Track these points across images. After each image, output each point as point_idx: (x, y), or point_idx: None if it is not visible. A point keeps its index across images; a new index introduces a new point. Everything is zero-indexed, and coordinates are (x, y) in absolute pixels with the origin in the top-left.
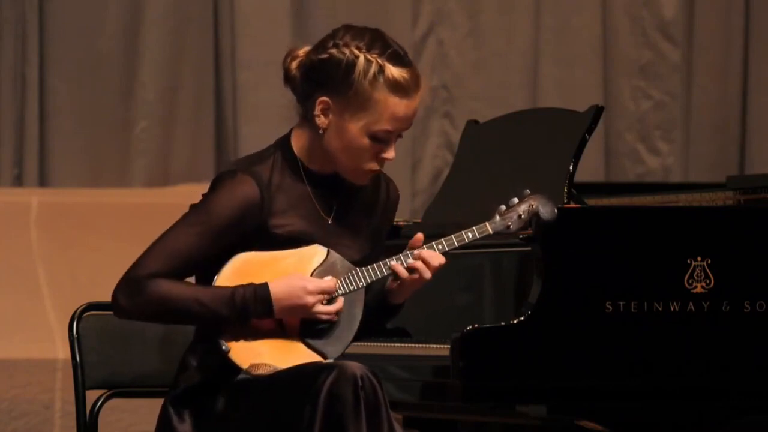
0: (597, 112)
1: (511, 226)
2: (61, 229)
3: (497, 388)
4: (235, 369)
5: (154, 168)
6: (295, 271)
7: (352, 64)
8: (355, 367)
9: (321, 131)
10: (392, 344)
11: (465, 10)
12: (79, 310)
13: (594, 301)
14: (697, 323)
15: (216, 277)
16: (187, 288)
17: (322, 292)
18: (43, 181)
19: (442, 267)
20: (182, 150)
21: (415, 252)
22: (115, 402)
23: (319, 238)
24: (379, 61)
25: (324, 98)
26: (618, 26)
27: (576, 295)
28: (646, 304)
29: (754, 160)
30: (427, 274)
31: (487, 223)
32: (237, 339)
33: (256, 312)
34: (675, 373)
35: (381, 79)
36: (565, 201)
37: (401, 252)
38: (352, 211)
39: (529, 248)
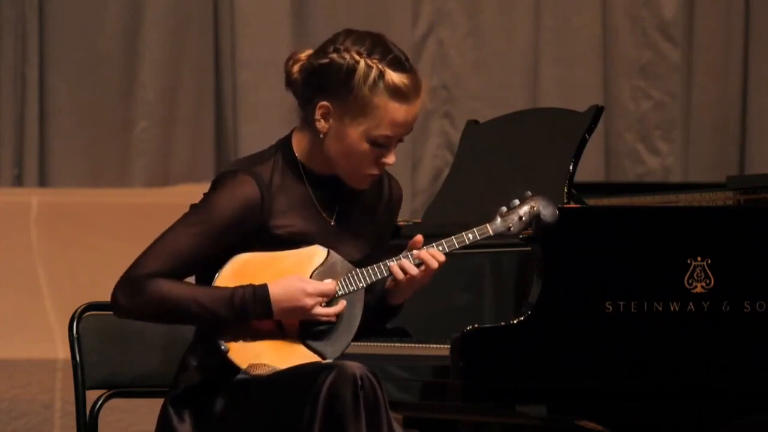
0: (597, 112)
1: (512, 228)
2: (61, 229)
3: (497, 388)
4: (235, 369)
5: (154, 168)
6: (295, 272)
7: (352, 69)
8: (355, 367)
9: (321, 136)
10: (392, 344)
11: (465, 10)
12: (79, 310)
13: (594, 301)
14: (697, 323)
15: (215, 277)
16: (187, 288)
17: (322, 295)
18: (43, 181)
19: (441, 267)
20: (182, 150)
21: (415, 253)
22: (115, 402)
23: (321, 239)
24: (380, 66)
25: (324, 103)
26: (618, 26)
27: (576, 295)
28: (646, 304)
29: (754, 160)
30: (427, 276)
31: (487, 225)
32: (236, 339)
33: (255, 313)
34: (675, 373)
35: (381, 85)
36: (565, 201)
37: (402, 252)
38: (354, 213)
39: (529, 248)
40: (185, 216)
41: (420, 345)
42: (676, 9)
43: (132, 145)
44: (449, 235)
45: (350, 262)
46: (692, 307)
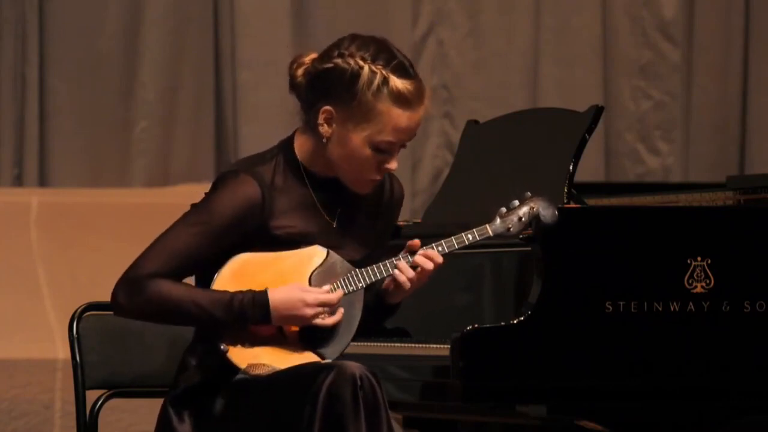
0: (597, 112)
1: (511, 229)
2: (61, 229)
3: (497, 388)
4: (234, 369)
5: (154, 168)
6: (295, 272)
7: (356, 74)
8: (354, 367)
9: (324, 140)
10: (392, 344)
11: (465, 10)
12: (79, 310)
13: (594, 301)
14: (697, 323)
15: (215, 277)
16: (187, 290)
17: (322, 305)
18: (43, 181)
19: (439, 268)
20: (182, 150)
21: (411, 259)
22: (115, 402)
23: (321, 240)
24: (384, 72)
25: (328, 108)
26: (618, 26)
27: (576, 295)
28: (646, 304)
29: (754, 160)
30: (424, 277)
31: (487, 225)
32: (235, 339)
33: (254, 318)
34: (675, 373)
35: (385, 91)
36: (565, 201)
37: (401, 252)
38: (355, 214)
39: (529, 248)
40: (186, 216)
41: (420, 345)
42: (676, 9)
43: (132, 145)
44: (449, 235)
45: (350, 262)
46: (692, 307)
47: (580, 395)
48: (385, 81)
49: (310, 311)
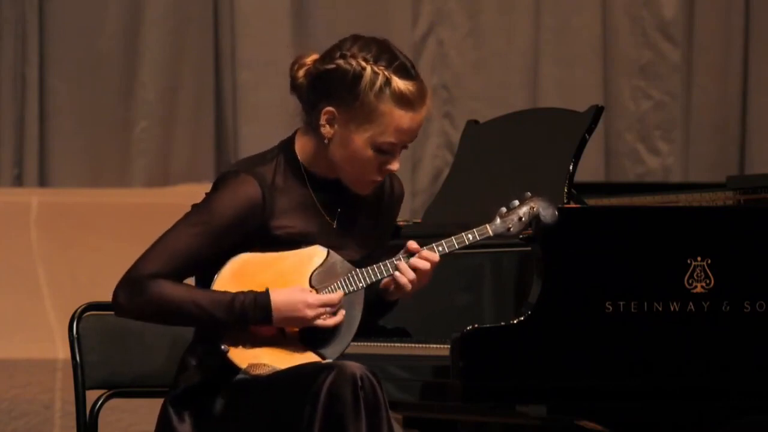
0: (597, 112)
1: (511, 229)
2: (61, 229)
3: (497, 388)
4: (234, 369)
5: (154, 168)
6: (295, 272)
7: (358, 75)
8: (355, 367)
9: (326, 141)
10: (392, 344)
11: (465, 10)
12: (79, 310)
13: (594, 301)
14: (697, 323)
15: (215, 278)
16: (188, 290)
17: (324, 306)
18: (43, 181)
19: (439, 268)
20: (182, 150)
21: (415, 257)
22: (115, 402)
23: (322, 241)
24: (386, 73)
25: (330, 108)
26: (618, 26)
27: (576, 295)
28: (646, 304)
29: (754, 160)
30: (424, 278)
31: (487, 225)
32: (236, 340)
33: (255, 319)
34: (675, 373)
35: (387, 92)
36: (565, 201)
37: (400, 252)
38: (356, 214)
39: (529, 248)
40: (187, 216)
41: (420, 345)
42: (676, 9)
43: (132, 145)
44: (449, 235)
45: (350, 262)
46: (692, 307)
47: (580, 395)
48: (388, 82)
49: (311, 312)
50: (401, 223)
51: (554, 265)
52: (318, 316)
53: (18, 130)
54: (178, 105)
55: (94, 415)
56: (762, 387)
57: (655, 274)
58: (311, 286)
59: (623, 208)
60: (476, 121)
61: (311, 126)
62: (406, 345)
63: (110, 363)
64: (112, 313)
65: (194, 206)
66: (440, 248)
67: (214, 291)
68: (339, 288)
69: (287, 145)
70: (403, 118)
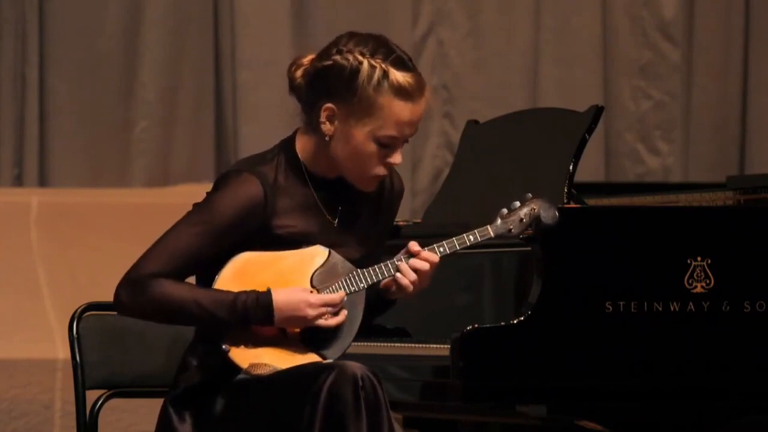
0: (597, 112)
1: (512, 230)
2: (61, 229)
3: (497, 388)
4: (235, 369)
5: (154, 168)
6: (296, 272)
7: (356, 70)
8: (356, 367)
9: (327, 138)
10: (392, 344)
11: (465, 10)
12: (79, 310)
13: (594, 301)
14: (697, 323)
15: (216, 277)
16: (189, 290)
17: (326, 305)
18: (43, 181)
19: (439, 268)
20: (182, 150)
21: (420, 256)
22: (115, 402)
23: (323, 240)
24: (383, 66)
25: (329, 105)
26: (618, 26)
27: (576, 295)
28: (646, 304)
29: (754, 160)
30: (426, 277)
31: (488, 226)
32: (237, 339)
33: (257, 319)
34: (675, 373)
35: (385, 84)
36: (565, 201)
37: (401, 252)
38: (357, 212)
39: (529, 248)
40: (188, 215)
41: (420, 345)
42: (676, 9)
43: (132, 145)
44: (449, 236)
45: (352, 260)
46: (692, 307)
47: (580, 395)
48: (385, 74)
49: (313, 312)
50: (401, 223)
51: (554, 265)
52: (319, 316)
53: (18, 130)
54: (178, 105)
55: (94, 415)
56: (762, 387)
57: (655, 274)
58: (312, 286)
59: (623, 208)
60: (476, 121)
61: (311, 125)
62: (406, 345)
63: (110, 363)
64: (112, 313)
65: (195, 205)
66: (441, 249)
67: (216, 290)
68: (340, 288)
69: (288, 144)
70: (403, 109)
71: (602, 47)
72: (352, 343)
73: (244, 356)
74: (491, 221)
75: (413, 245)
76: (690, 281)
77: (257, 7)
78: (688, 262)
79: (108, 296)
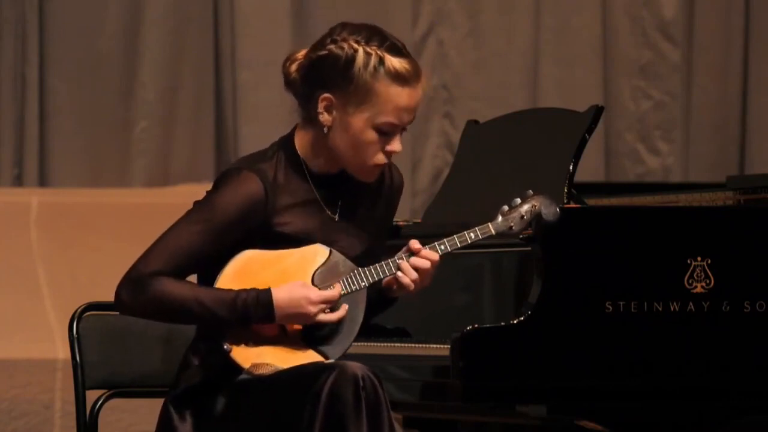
0: (597, 112)
1: (513, 227)
2: (61, 229)
3: (497, 388)
4: (237, 369)
5: (154, 168)
6: (298, 271)
7: (351, 58)
8: (356, 368)
9: (326, 129)
10: (392, 344)
11: (465, 10)
12: (79, 310)
13: (594, 301)
14: (697, 323)
15: (218, 276)
16: (190, 288)
17: (325, 302)
18: (43, 181)
19: (439, 267)
20: (182, 150)
21: (421, 255)
22: (115, 402)
23: (324, 236)
24: (379, 52)
25: (326, 95)
26: (618, 26)
27: (576, 295)
28: (646, 304)
29: (754, 160)
30: (427, 276)
31: (489, 224)
32: (239, 339)
33: (257, 317)
34: (675, 373)
35: (382, 70)
36: (565, 201)
37: (402, 250)
38: (357, 206)
39: (529, 248)
40: (188, 213)
41: (420, 345)
42: (676, 9)
43: (132, 145)
44: (450, 235)
45: (353, 255)
46: (692, 307)
47: (580, 395)
48: (381, 61)
49: (313, 308)
50: (401, 223)
51: (554, 265)
52: (320, 312)
53: (18, 130)
54: (178, 105)
55: (94, 415)
56: (762, 387)
57: (655, 274)
58: (313, 285)
59: (623, 208)
60: (476, 121)
61: (309, 118)
62: (406, 345)
63: (110, 363)
64: (113, 313)
65: (196, 203)
66: (442, 247)
67: (217, 289)
68: (341, 287)
69: (287, 141)
70: (401, 95)
71: (602, 47)
72: (353, 343)
73: (245, 356)
74: (492, 219)
75: (414, 243)
76: (690, 281)
77: (257, 7)
78: (688, 262)
79: (108, 296)
